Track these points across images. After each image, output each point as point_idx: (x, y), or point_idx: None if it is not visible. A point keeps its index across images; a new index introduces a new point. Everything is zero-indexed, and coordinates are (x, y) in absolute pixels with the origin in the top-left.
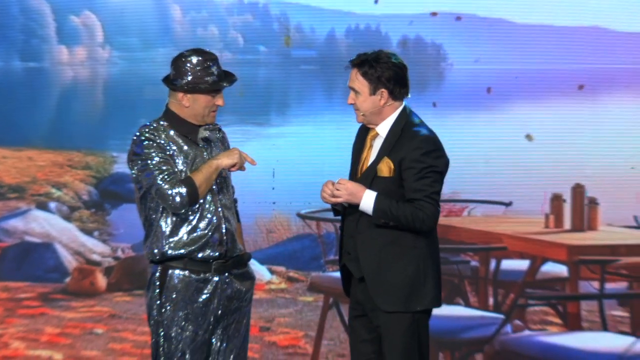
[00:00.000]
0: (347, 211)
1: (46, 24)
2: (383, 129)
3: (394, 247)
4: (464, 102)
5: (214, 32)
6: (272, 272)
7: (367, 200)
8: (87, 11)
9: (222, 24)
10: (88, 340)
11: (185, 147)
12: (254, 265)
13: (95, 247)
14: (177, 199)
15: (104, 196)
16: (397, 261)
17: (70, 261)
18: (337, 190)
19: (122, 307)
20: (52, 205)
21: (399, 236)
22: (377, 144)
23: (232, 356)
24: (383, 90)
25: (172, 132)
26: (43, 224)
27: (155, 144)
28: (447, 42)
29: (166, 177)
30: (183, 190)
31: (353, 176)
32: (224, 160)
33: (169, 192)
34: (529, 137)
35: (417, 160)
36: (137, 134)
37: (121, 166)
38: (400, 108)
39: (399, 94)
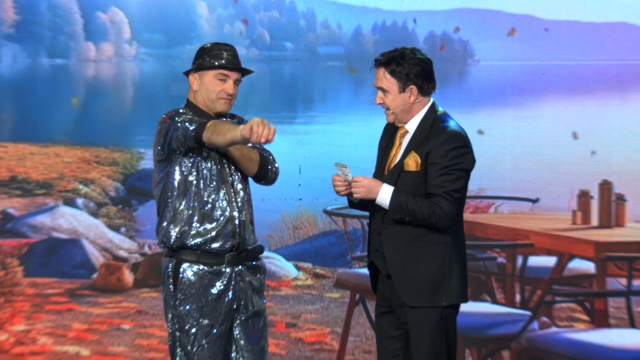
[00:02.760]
0: (374, 208)
1: (73, 21)
2: (412, 125)
3: (419, 242)
4: (491, 99)
5: (241, 29)
6: (298, 268)
7: (384, 194)
8: (114, 8)
9: (249, 21)
10: (115, 336)
11: None
12: (280, 261)
13: (122, 244)
14: (188, 127)
15: (131, 192)
16: (423, 257)
17: (97, 257)
18: (354, 188)
19: (149, 303)
20: (80, 201)
21: (424, 232)
22: (406, 141)
23: (255, 352)
24: (412, 86)
25: None
26: (70, 220)
27: (185, 115)
28: (473, 39)
29: (187, 121)
30: (193, 126)
31: (379, 173)
32: (237, 134)
33: (185, 124)
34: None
35: (442, 156)
36: (164, 115)
37: (148, 162)
38: (429, 104)
39: (428, 89)
